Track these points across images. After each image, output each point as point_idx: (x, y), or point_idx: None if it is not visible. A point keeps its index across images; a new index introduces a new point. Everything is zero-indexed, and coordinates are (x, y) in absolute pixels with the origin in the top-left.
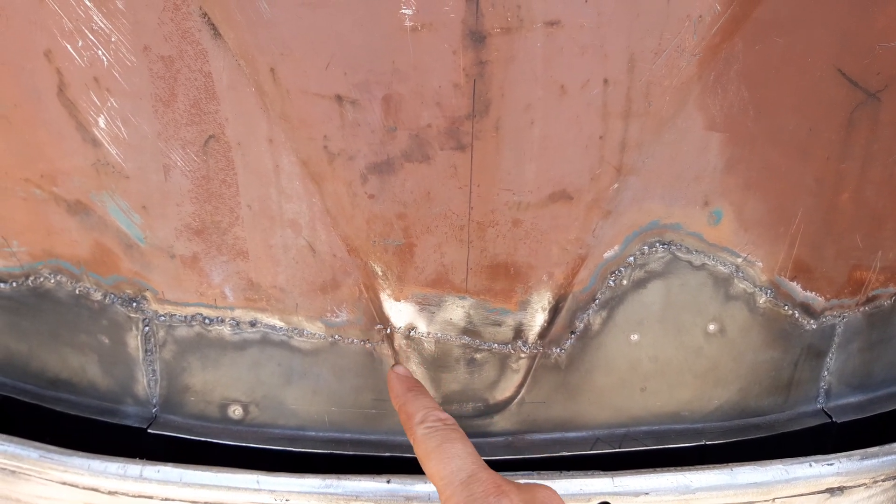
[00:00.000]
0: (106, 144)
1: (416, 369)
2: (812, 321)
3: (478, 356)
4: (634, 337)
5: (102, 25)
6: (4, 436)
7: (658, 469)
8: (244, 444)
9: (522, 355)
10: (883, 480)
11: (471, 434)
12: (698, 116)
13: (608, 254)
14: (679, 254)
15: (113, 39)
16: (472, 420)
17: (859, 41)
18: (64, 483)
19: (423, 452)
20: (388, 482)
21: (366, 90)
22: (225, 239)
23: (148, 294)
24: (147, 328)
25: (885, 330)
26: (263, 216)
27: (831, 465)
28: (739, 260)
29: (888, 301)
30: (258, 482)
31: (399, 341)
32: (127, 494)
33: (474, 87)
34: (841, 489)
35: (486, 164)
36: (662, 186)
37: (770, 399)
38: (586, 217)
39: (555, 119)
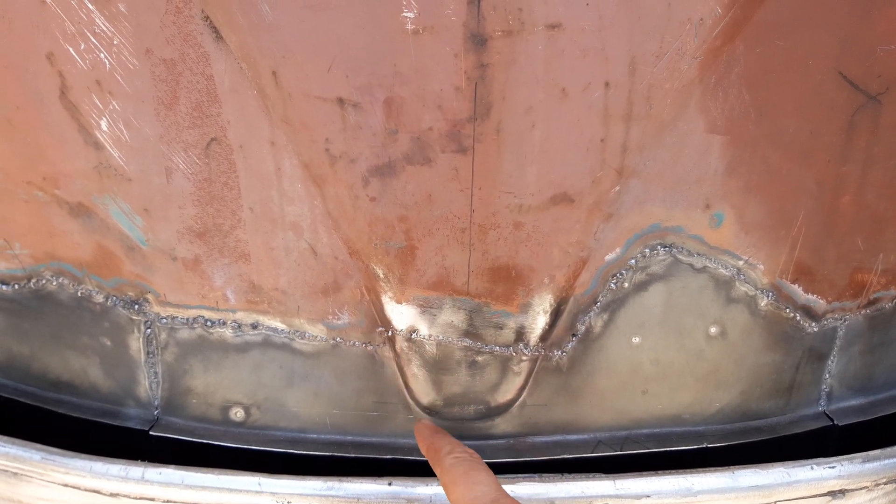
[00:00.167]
0: (108, 147)
1: (418, 372)
2: (813, 324)
3: (479, 359)
4: (636, 340)
5: (105, 28)
6: (6, 437)
7: (660, 472)
8: (246, 447)
9: (524, 358)
10: (885, 483)
11: (472, 437)
12: (699, 119)
13: (609, 256)
14: (680, 256)
15: (115, 42)
16: (474, 422)
17: (860, 44)
18: (65, 485)
19: (449, 480)
20: (390, 484)
21: (367, 93)
22: (227, 241)
23: (150, 296)
24: (149, 330)
25: (886, 333)
26: (265, 219)
27: (833, 467)
28: (741, 263)
29: (890, 304)
30: (260, 484)
31: (400, 344)
32: (129, 496)
33: (475, 89)
34: (842, 492)
35: (488, 167)
36: (664, 189)
37: (771, 402)
38: (588, 220)
39: (556, 122)
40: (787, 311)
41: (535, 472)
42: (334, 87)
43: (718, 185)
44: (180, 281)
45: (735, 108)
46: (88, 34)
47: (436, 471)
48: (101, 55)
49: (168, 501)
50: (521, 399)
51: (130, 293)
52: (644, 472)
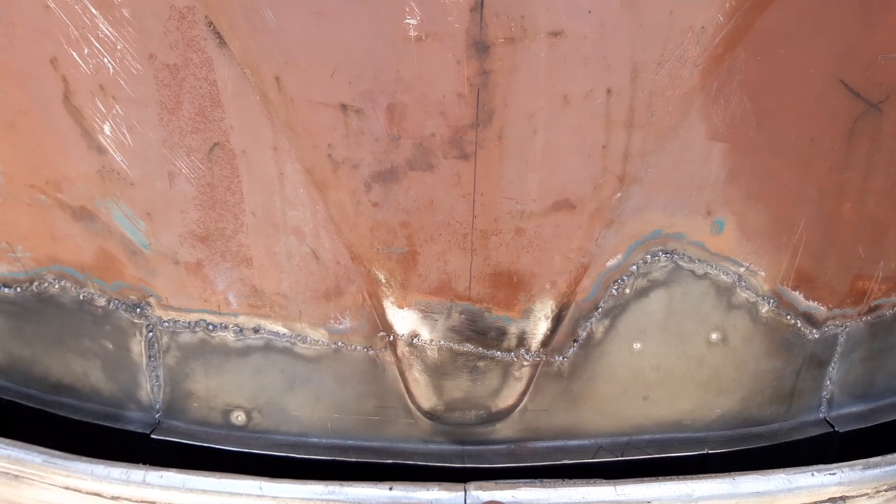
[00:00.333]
0: (111, 151)
1: (419, 377)
2: (814, 331)
3: (480, 364)
4: (637, 346)
5: (108, 33)
6: (7, 440)
7: (661, 478)
8: (247, 451)
9: (525, 363)
10: (885, 490)
11: (473, 442)
12: (701, 126)
13: (611, 263)
14: (681, 263)
15: (119, 47)
16: (475, 427)
17: (861, 52)
18: (67, 488)
19: None
20: (391, 489)
21: (370, 99)
22: (229, 246)
23: (152, 300)
24: (151, 334)
25: (887, 339)
26: (267, 223)
27: (833, 474)
28: (742, 269)
29: (890, 311)
30: (261, 488)
31: (402, 348)
32: (130, 500)
33: (478, 96)
34: (843, 499)
35: (490, 173)
36: (665, 196)
37: (772, 408)
38: (589, 226)
39: (558, 128)
40: (788, 317)
41: (536, 478)
42: (337, 92)
43: (720, 191)
44: (182, 285)
45: (736, 116)
46: (92, 39)
47: None
48: (105, 60)
49: None
50: (522, 404)
51: (132, 297)
52: (645, 478)
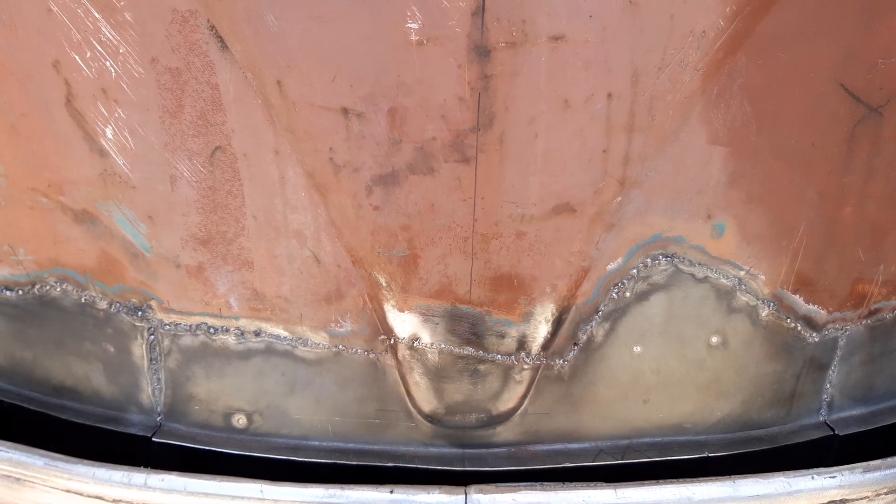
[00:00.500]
0: (113, 155)
1: (420, 380)
2: (814, 334)
3: (481, 367)
4: (637, 349)
5: (110, 37)
6: (9, 443)
7: (661, 481)
8: (248, 454)
9: (525, 366)
10: (885, 493)
11: (474, 445)
12: (701, 130)
13: (611, 266)
14: (682, 266)
15: (121, 51)
16: (476, 431)
17: (862, 56)
18: (68, 491)
19: None
20: (392, 492)
21: (371, 103)
22: (230, 249)
23: (153, 303)
24: (152, 337)
25: (887, 343)
26: (269, 227)
27: (834, 477)
28: (742, 273)
29: (890, 314)
30: (262, 491)
31: (403, 352)
32: (131, 503)
33: (479, 100)
34: (843, 502)
35: (491, 177)
36: (665, 199)
37: (772, 411)
38: (589, 230)
39: (559, 133)
40: (789, 321)
41: (536, 481)
42: (338, 96)
43: (720, 195)
44: (184, 288)
45: (737, 120)
46: (94, 42)
47: None
48: (107, 63)
49: None
50: (522, 407)
51: (134, 300)
52: (645, 481)
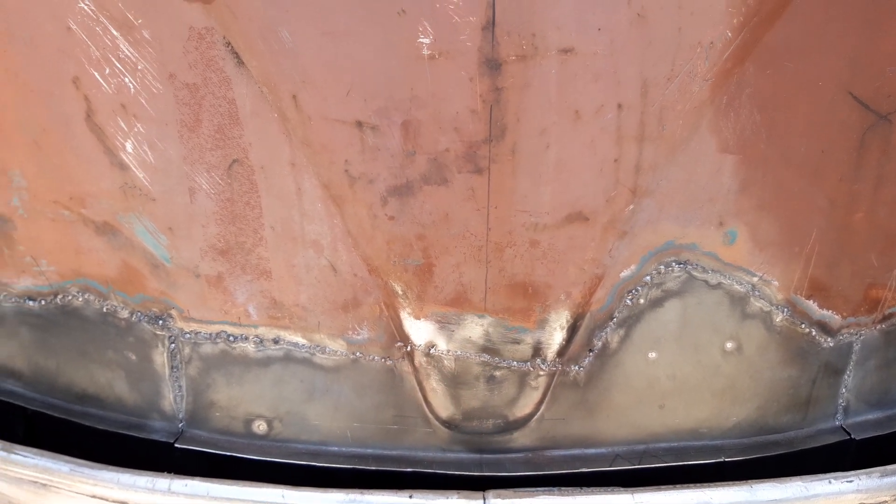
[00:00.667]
0: (133, 168)
1: (437, 386)
2: (829, 339)
3: (497, 373)
4: (652, 355)
5: (129, 54)
6: (36, 450)
7: (678, 485)
8: (268, 459)
9: (541, 373)
10: None
11: (491, 450)
12: (711, 139)
13: (625, 273)
14: (695, 273)
15: (139, 67)
16: (492, 436)
17: (870, 64)
18: (94, 496)
19: None
20: (411, 497)
21: (385, 116)
22: (249, 259)
23: (174, 312)
24: (173, 345)
25: None
26: (286, 237)
27: (851, 482)
28: (755, 279)
29: None
30: (283, 496)
31: (419, 359)
32: None
33: (491, 112)
34: None
35: (503, 187)
36: (677, 207)
37: (788, 416)
38: (602, 238)
39: (570, 143)
40: (803, 326)
41: (553, 486)
42: (353, 110)
43: (731, 203)
44: (203, 297)
45: (746, 129)
46: (113, 59)
47: None
48: (126, 79)
49: None
50: (539, 413)
51: (155, 309)
52: (663, 486)
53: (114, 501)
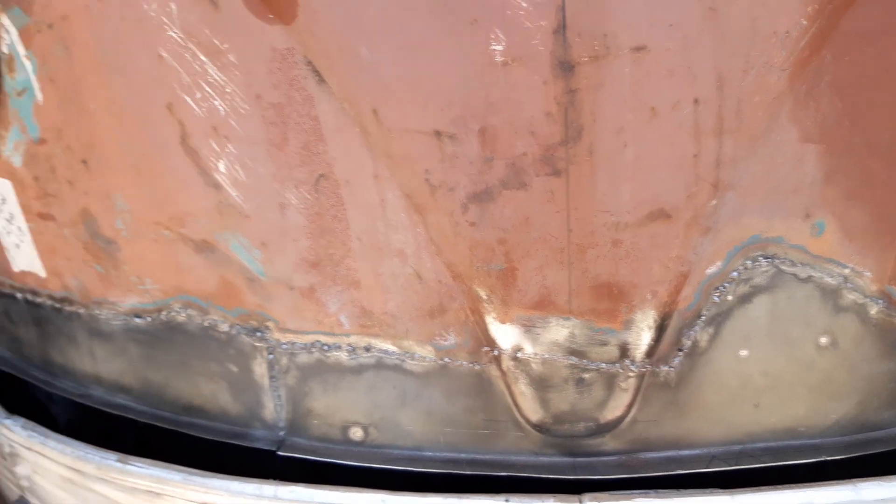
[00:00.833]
0: (226, 187)
1: (525, 390)
2: None
3: (586, 376)
4: (743, 352)
5: (217, 78)
6: (150, 460)
7: (779, 486)
8: (366, 465)
9: (631, 374)
10: None
11: (584, 453)
12: (792, 130)
13: (711, 270)
14: (783, 267)
15: (227, 90)
16: (584, 440)
17: None
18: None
19: None
20: (507, 501)
21: (462, 124)
22: (338, 270)
23: (270, 324)
24: (271, 356)
25: None
26: (372, 247)
27: None
28: (846, 271)
29: None
30: (384, 501)
31: (506, 363)
32: None
33: (566, 114)
34: None
35: (583, 188)
36: (760, 200)
37: (890, 412)
38: (686, 234)
39: (647, 140)
40: None
41: (649, 488)
42: (431, 120)
43: (817, 193)
44: (297, 308)
45: (828, 117)
46: (203, 84)
47: None
48: (216, 103)
49: None
50: (630, 415)
51: (252, 322)
52: (762, 487)
53: None
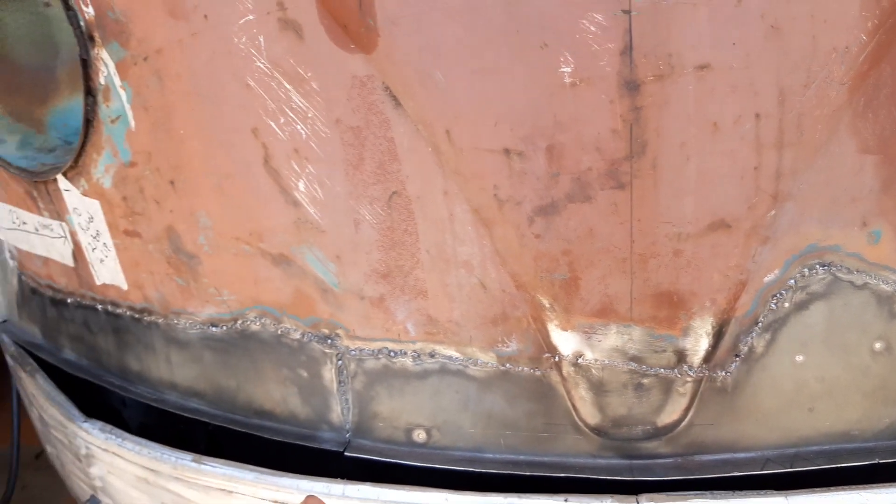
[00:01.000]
0: (305, 205)
1: (585, 395)
2: None
3: (645, 381)
4: (799, 358)
5: (300, 104)
6: (223, 460)
7: (833, 488)
8: (429, 466)
9: (688, 379)
10: None
11: (641, 456)
12: (851, 141)
13: (768, 278)
14: (840, 274)
15: (309, 115)
16: (642, 443)
17: None
18: (275, 501)
19: None
20: (566, 501)
21: (531, 142)
22: (407, 281)
23: (340, 332)
24: (340, 362)
25: None
26: (440, 259)
27: None
28: None
29: None
30: (447, 500)
31: (567, 368)
32: None
33: (631, 130)
34: None
35: (646, 200)
36: (819, 210)
37: None
38: (745, 244)
39: (709, 154)
40: None
41: (705, 490)
42: (501, 139)
43: (874, 202)
44: (367, 317)
45: (886, 128)
46: (287, 110)
47: None
48: (298, 127)
49: None
50: (687, 419)
51: (324, 330)
52: (817, 489)
53: None
